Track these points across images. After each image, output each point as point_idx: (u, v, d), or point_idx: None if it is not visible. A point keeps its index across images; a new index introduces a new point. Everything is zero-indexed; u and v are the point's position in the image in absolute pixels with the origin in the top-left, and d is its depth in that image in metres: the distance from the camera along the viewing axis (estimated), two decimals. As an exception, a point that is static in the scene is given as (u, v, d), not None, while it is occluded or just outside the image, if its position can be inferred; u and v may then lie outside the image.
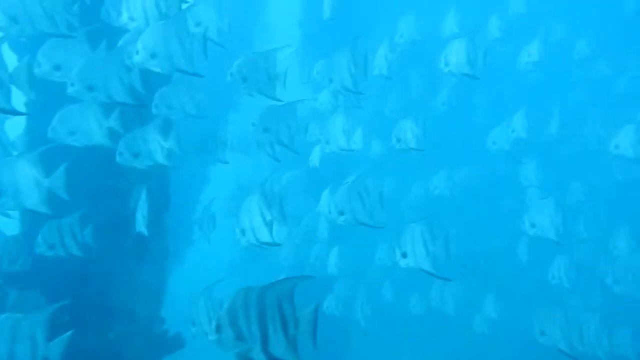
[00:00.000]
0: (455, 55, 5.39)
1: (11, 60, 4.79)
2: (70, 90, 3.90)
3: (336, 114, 5.73)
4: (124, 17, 4.07)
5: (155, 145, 4.37)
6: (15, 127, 5.64)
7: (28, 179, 3.70)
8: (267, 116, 4.68)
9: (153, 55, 3.87)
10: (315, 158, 7.18)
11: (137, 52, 3.88)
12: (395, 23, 7.73)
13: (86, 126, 4.09)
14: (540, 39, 8.16)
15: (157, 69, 3.93)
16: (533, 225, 5.62)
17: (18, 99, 3.83)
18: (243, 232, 4.06)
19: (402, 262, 4.07)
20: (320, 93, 7.77)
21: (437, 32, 8.08)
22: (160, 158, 4.41)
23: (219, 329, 2.54)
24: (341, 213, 4.41)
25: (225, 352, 2.58)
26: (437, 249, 4.04)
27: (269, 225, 4.09)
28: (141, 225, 4.71)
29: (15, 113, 3.62)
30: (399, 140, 5.87)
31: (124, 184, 5.18)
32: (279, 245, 4.21)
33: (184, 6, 4.22)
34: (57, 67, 4.05)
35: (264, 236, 4.08)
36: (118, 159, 4.34)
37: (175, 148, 4.47)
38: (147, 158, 4.38)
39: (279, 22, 14.63)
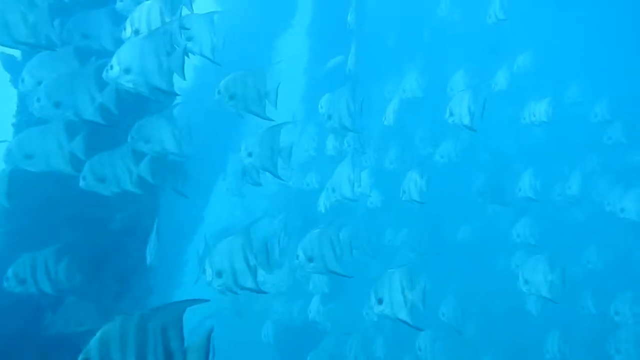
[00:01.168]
0: (459, 107, 5.61)
1: (3, 78, 4.69)
2: (35, 106, 3.68)
3: (343, 162, 5.65)
4: (128, 30, 3.88)
5: (124, 171, 4.07)
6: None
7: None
8: (251, 140, 4.46)
9: (127, 71, 3.60)
10: (321, 204, 7.09)
11: (112, 67, 3.62)
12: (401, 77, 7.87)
13: (46, 149, 3.82)
14: (549, 100, 8.03)
15: (131, 85, 3.64)
16: (526, 282, 5.56)
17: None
18: (219, 274, 3.67)
19: (377, 309, 3.92)
20: (327, 139, 7.78)
21: (443, 87, 8.23)
22: (129, 185, 4.08)
23: None
24: (310, 260, 4.17)
25: None
26: (414, 297, 3.87)
27: (253, 270, 3.73)
28: (151, 257, 4.41)
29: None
30: (404, 192, 6.00)
31: (104, 213, 4.90)
32: (263, 293, 3.87)
33: (172, 17, 3.96)
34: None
35: (247, 281, 3.71)
36: (81, 183, 4.01)
37: (147, 175, 4.15)
38: (114, 184, 4.06)
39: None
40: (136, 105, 4.51)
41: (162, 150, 4.35)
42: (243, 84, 4.18)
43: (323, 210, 7.34)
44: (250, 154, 4.46)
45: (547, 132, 10.43)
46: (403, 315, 3.87)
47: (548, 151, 11.40)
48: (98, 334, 2.14)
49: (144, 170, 4.14)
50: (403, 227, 9.92)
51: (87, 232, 4.92)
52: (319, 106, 6.67)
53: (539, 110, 8.03)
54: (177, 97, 4.05)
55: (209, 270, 3.68)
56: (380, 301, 3.91)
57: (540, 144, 11.76)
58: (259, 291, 3.77)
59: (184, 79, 3.85)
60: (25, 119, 4.51)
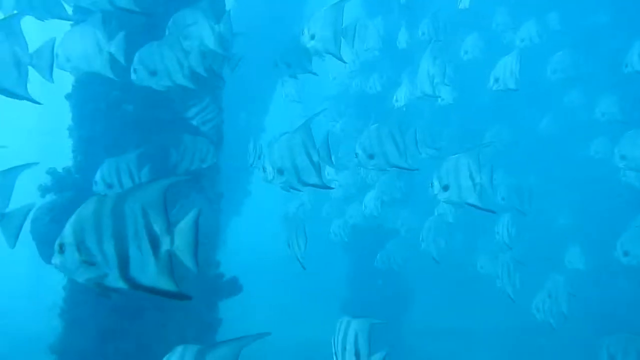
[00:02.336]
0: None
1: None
2: None
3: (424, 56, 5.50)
4: None
5: (174, 63, 3.77)
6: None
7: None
8: (313, 22, 4.07)
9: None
10: (400, 98, 6.92)
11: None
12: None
13: (84, 51, 3.62)
14: None
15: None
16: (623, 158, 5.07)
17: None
18: (280, 172, 3.49)
19: (442, 196, 3.73)
20: None
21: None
22: (181, 78, 3.81)
23: (61, 249, 1.95)
24: (371, 157, 3.89)
25: (74, 278, 2.01)
26: (483, 180, 3.65)
27: (317, 166, 3.54)
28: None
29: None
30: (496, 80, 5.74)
31: (169, 114, 4.78)
32: (329, 188, 3.74)
33: None
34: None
35: (311, 178, 3.54)
36: (132, 77, 3.81)
37: (199, 68, 3.91)
38: (166, 78, 3.80)
39: None
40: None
41: (202, 47, 4.06)
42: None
43: (400, 104, 7.05)
44: (312, 37, 4.09)
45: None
46: (472, 199, 3.68)
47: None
48: (72, 218, 1.94)
49: (195, 61, 3.89)
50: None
51: (155, 134, 4.85)
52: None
53: None
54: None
55: (269, 169, 3.53)
56: (446, 188, 3.71)
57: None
58: (325, 187, 3.59)
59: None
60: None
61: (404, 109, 8.00)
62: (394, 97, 7.41)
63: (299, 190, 3.66)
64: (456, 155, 3.74)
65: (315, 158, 3.51)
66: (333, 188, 3.81)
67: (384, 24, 8.58)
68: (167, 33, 3.90)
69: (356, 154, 3.95)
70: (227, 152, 6.16)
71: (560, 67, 8.34)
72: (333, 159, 3.68)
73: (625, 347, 4.98)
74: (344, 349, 2.94)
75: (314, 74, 5.08)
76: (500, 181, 7.53)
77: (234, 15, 4.24)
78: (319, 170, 3.52)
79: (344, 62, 4.37)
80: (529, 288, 6.24)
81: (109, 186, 4.18)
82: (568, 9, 10.00)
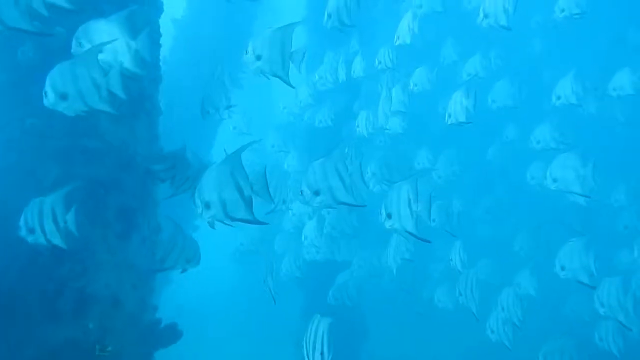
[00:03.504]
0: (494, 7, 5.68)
1: None
2: None
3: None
4: None
5: (89, 85, 3.28)
6: None
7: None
8: (259, 41, 3.85)
9: None
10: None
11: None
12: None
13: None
14: None
15: None
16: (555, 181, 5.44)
17: None
18: (207, 206, 3.29)
19: (387, 224, 3.92)
20: None
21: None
22: (97, 102, 3.31)
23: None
24: (317, 193, 3.73)
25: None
26: (420, 208, 3.85)
27: (247, 200, 3.36)
28: None
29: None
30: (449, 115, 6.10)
31: (97, 142, 4.32)
32: (261, 224, 3.50)
33: None
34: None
35: (239, 212, 3.35)
36: (44, 101, 3.33)
37: (117, 90, 3.42)
38: (79, 101, 3.31)
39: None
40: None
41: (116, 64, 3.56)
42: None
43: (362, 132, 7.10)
44: (259, 57, 3.83)
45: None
46: (410, 227, 3.84)
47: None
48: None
49: (114, 82, 3.40)
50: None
51: (81, 166, 4.37)
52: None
53: None
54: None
55: (197, 202, 3.31)
56: (389, 216, 3.88)
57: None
58: (257, 222, 3.37)
59: None
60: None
61: (355, 141, 7.95)
62: (356, 123, 7.47)
63: (230, 225, 3.39)
64: (399, 183, 3.87)
65: (247, 191, 3.26)
66: (267, 224, 3.55)
67: (337, 54, 8.59)
68: (73, 44, 3.40)
69: (301, 192, 3.78)
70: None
71: (499, 97, 8.60)
72: (275, 192, 3.51)
73: (561, 352, 5.59)
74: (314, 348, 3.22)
75: (233, 105, 5.36)
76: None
77: (181, 36, 3.94)
78: (249, 204, 3.28)
79: (292, 86, 4.18)
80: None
81: (31, 231, 3.70)
82: (509, 41, 10.35)
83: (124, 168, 4.63)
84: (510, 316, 6.12)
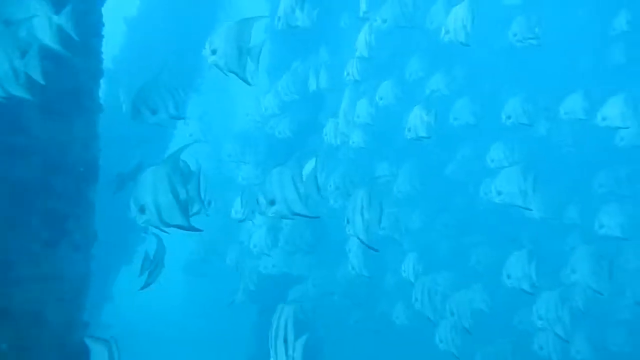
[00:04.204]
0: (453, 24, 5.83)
1: None
2: None
3: None
4: None
5: (5, 67, 2.83)
6: None
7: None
8: (216, 35, 3.60)
9: None
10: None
11: None
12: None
13: None
14: None
15: None
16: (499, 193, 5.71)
17: None
18: (142, 210, 3.07)
19: (347, 229, 4.03)
20: None
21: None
22: (14, 87, 2.90)
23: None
24: (272, 203, 3.71)
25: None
26: (371, 216, 3.94)
27: (183, 205, 3.17)
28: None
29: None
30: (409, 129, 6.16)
31: (22, 138, 3.85)
32: (195, 230, 3.27)
33: None
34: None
35: (174, 218, 3.16)
36: None
37: (36, 74, 3.03)
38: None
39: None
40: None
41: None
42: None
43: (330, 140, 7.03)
44: (214, 52, 3.59)
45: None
46: (361, 234, 3.92)
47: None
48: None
49: (32, 65, 2.97)
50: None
51: (3, 165, 3.88)
52: None
53: None
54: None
55: (132, 206, 3.10)
56: (348, 221, 3.99)
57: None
58: (192, 229, 3.17)
59: None
60: None
61: (322, 152, 7.75)
62: (324, 132, 7.39)
63: (165, 232, 3.15)
64: (356, 191, 4.01)
65: (183, 195, 3.00)
66: (202, 230, 3.28)
67: (303, 64, 8.40)
68: None
69: (257, 200, 3.73)
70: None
71: (461, 115, 8.61)
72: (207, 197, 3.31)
73: (497, 355, 5.89)
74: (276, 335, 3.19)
75: (183, 118, 4.93)
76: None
77: (133, 34, 3.59)
78: (185, 209, 3.03)
79: (249, 83, 3.91)
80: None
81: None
82: (473, 59, 10.44)
83: (55, 169, 4.16)
84: (461, 320, 6.15)
